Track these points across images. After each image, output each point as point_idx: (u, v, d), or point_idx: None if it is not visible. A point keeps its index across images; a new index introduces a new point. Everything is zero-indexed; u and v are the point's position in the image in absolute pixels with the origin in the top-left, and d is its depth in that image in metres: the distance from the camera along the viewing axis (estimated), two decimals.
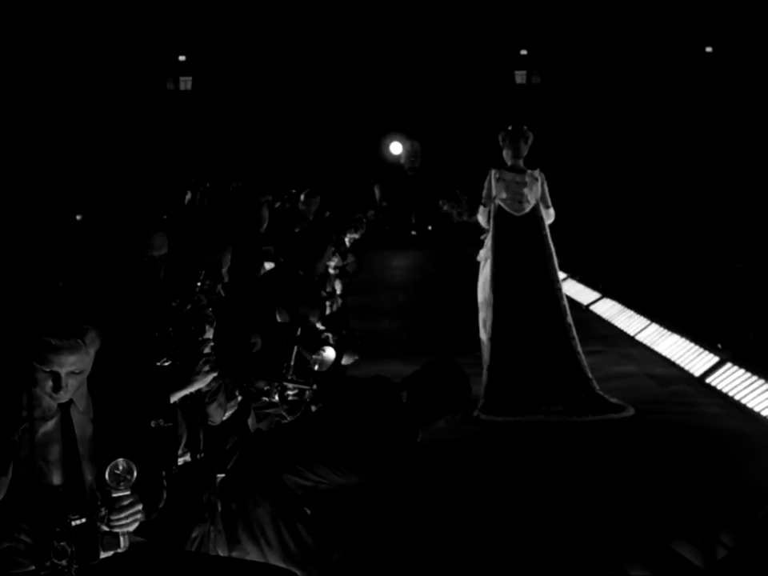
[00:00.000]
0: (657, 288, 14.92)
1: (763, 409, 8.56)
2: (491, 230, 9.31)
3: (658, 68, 32.99)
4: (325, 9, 32.60)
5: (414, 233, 27.70)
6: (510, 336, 9.03)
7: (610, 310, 14.01)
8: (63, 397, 3.73)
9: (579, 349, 9.12)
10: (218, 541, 4.76)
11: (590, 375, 9.07)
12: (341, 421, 5.21)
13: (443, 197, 28.72)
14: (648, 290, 14.75)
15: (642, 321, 12.66)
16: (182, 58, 34.26)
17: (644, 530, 6.14)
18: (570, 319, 9.20)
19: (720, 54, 33.72)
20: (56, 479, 3.72)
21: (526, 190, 9.23)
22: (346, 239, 19.92)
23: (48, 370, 3.66)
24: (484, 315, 9.27)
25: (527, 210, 9.27)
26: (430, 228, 27.48)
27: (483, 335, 9.28)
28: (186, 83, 34.75)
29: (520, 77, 35.24)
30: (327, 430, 5.20)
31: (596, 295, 15.03)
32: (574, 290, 16.08)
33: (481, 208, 9.44)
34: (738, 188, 25.73)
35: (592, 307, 14.71)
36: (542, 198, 9.33)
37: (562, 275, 16.76)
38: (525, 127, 9.35)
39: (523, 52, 34.73)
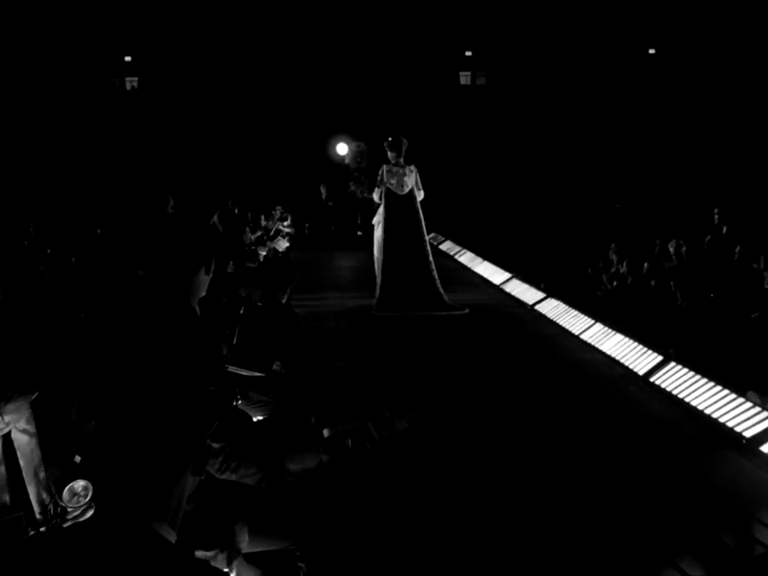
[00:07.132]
0: (600, 287, 14.99)
1: (706, 407, 8.65)
2: (383, 203, 14.63)
3: (602, 69, 33.23)
4: (273, 9, 32.54)
5: (359, 233, 27.68)
6: (393, 268, 14.47)
7: (554, 309, 14.04)
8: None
9: (436, 276, 14.59)
10: None
11: (441, 291, 14.59)
12: None
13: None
14: (591, 290, 14.83)
15: (586, 320, 12.71)
16: (127, 58, 34.08)
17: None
18: (431, 258, 14.69)
19: (663, 56, 34.02)
20: None
21: (406, 179, 14.57)
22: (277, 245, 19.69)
23: None
24: (378, 257, 14.69)
25: (406, 191, 14.60)
26: None
27: (377, 268, 14.75)
28: (132, 83, 34.59)
29: (465, 78, 35.37)
30: None
31: (541, 295, 15.06)
32: (519, 290, 16.09)
33: (376, 189, 14.69)
34: (685, 188, 25.97)
35: (537, 306, 14.74)
36: (416, 184, 14.65)
37: (506, 275, 17.16)
38: (402, 138, 14.60)
39: (468, 53, 34.84)
